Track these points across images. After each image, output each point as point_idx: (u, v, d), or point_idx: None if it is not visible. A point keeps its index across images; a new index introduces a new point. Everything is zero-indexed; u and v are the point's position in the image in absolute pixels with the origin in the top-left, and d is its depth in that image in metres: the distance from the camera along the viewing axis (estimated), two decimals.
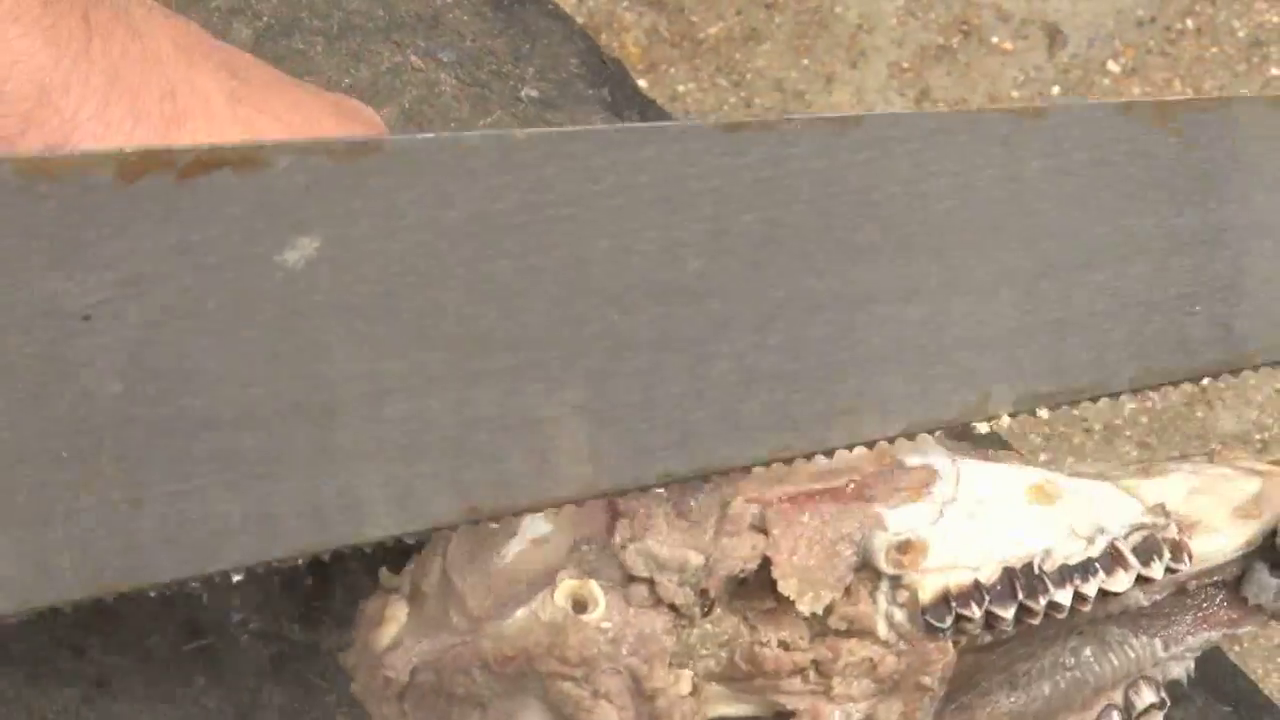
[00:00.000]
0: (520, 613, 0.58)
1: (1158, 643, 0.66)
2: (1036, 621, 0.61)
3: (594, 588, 0.58)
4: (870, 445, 0.57)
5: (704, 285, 0.54)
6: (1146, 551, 0.62)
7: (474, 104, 0.90)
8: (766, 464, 0.57)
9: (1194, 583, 0.65)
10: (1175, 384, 0.61)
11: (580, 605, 0.58)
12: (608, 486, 0.55)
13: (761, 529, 0.59)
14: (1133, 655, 0.66)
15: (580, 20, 1.09)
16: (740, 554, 0.59)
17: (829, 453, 0.57)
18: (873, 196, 0.54)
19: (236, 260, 0.50)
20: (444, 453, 0.53)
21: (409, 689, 0.60)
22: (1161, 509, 0.64)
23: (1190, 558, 0.63)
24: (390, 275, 0.51)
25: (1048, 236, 0.57)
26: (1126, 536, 0.62)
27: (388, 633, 0.61)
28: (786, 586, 0.58)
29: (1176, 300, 0.59)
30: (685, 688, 0.59)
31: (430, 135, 0.52)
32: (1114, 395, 0.60)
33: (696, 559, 0.58)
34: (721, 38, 1.37)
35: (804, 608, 0.59)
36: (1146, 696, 0.66)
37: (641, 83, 1.27)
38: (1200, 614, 0.67)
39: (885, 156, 0.54)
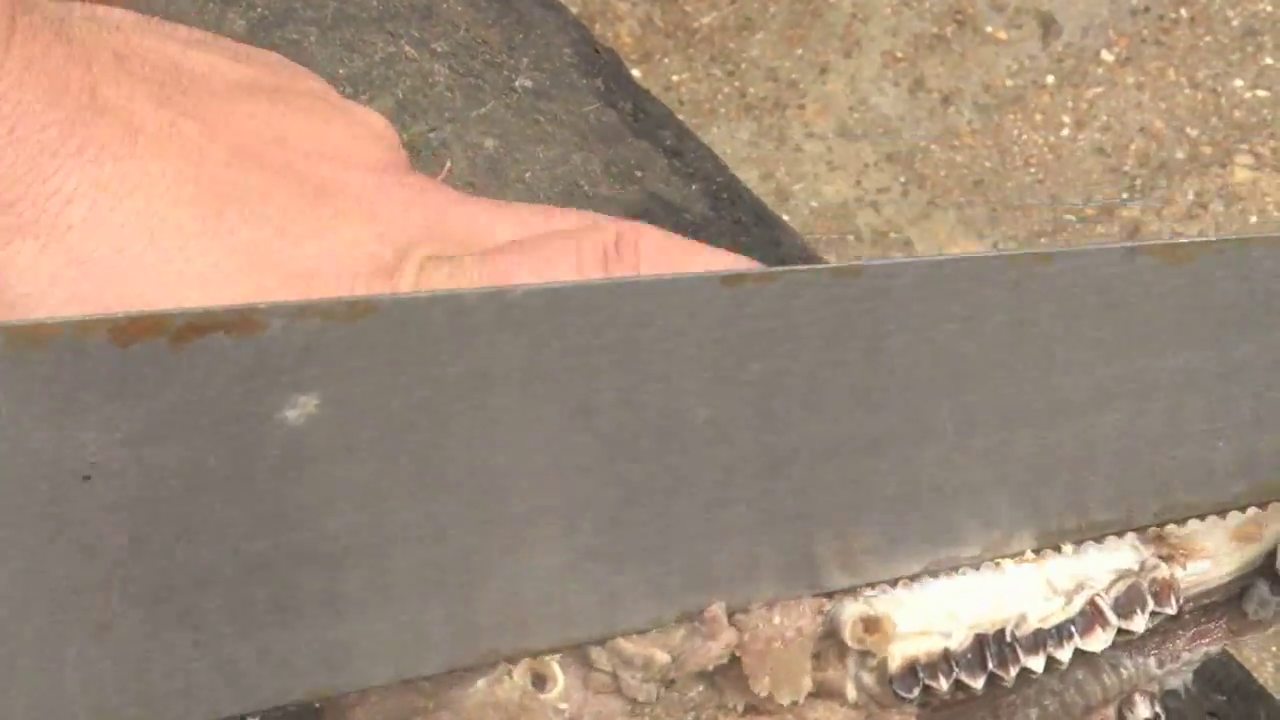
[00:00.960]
0: (480, 683, 0.57)
1: (1152, 661, 0.66)
2: (1008, 685, 0.60)
3: (554, 665, 0.58)
4: (893, 584, 0.58)
5: (713, 433, 0.54)
6: (1129, 603, 0.62)
7: (468, 94, 0.90)
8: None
9: (1190, 605, 0.65)
10: (1201, 517, 0.61)
11: (540, 681, 0.58)
12: (623, 628, 0.55)
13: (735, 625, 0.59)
14: (1126, 674, 0.65)
15: (574, 10, 1.09)
16: (711, 655, 0.58)
17: (850, 592, 0.57)
18: (880, 344, 0.54)
19: (235, 419, 0.50)
20: (455, 599, 0.53)
21: None
22: (1155, 537, 0.63)
23: (1178, 600, 0.63)
24: (392, 429, 0.51)
25: (1061, 378, 0.56)
26: (1109, 589, 0.62)
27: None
28: (759, 686, 0.58)
29: (1200, 435, 0.58)
30: None
31: (426, 294, 0.52)
32: (1140, 529, 0.60)
33: (663, 658, 0.58)
34: (716, 27, 1.36)
35: (784, 699, 0.58)
36: (1141, 711, 0.65)
37: (635, 72, 1.27)
38: (1198, 630, 0.67)
39: (890, 304, 0.54)
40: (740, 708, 0.60)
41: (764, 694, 0.58)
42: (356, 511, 0.51)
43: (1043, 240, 1.49)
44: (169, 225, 0.53)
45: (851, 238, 1.51)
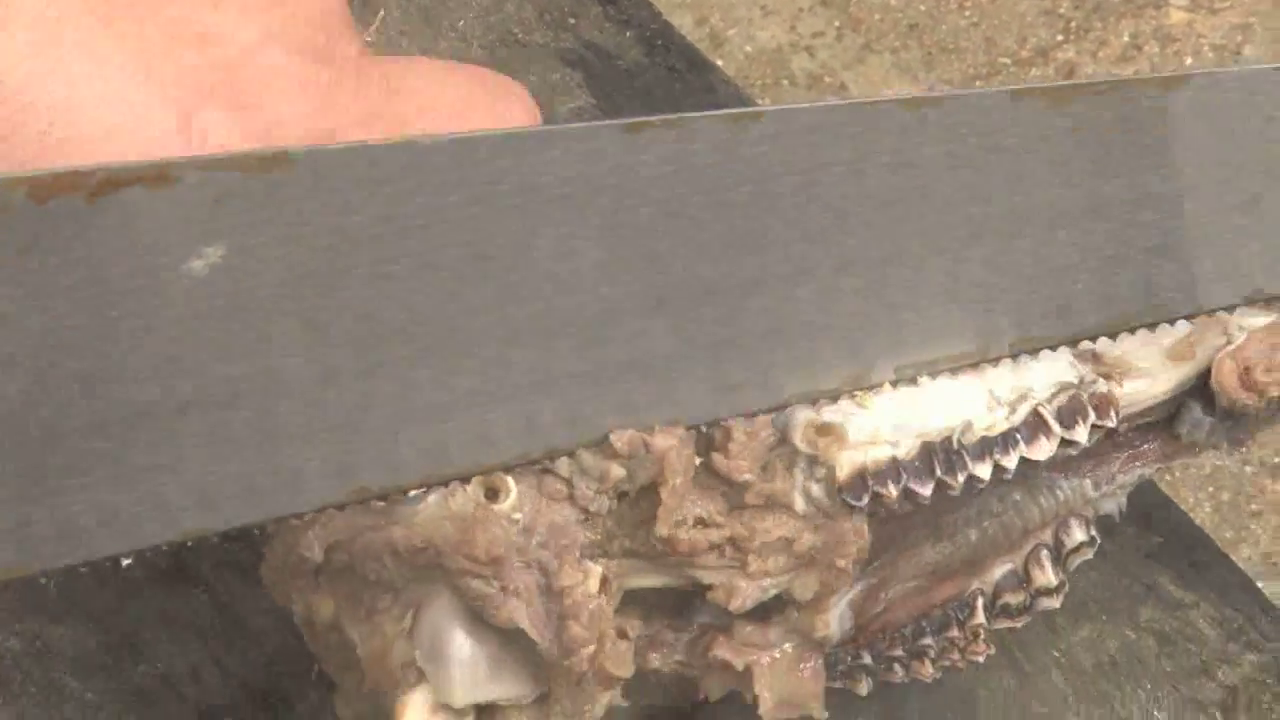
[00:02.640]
0: (432, 499, 0.58)
1: (1088, 483, 0.67)
2: (956, 494, 0.61)
3: (507, 478, 0.58)
4: (752, 416, 0.59)
5: (599, 275, 0.55)
6: (1071, 414, 0.62)
7: None
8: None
9: (1125, 425, 0.66)
10: (1054, 348, 0.62)
11: (492, 493, 0.58)
12: (496, 462, 0.57)
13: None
14: (1062, 497, 0.66)
15: None
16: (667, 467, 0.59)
17: (713, 423, 0.59)
18: (768, 187, 0.56)
19: (143, 271, 0.51)
20: (334, 441, 0.54)
21: (323, 567, 0.60)
22: (1090, 356, 0.64)
23: (1117, 414, 0.63)
24: (292, 278, 0.52)
25: (938, 218, 0.58)
26: (1051, 399, 0.62)
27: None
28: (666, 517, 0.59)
29: (1058, 271, 0.60)
30: (594, 586, 0.59)
31: (339, 146, 0.53)
32: (993, 362, 0.61)
33: (619, 472, 0.58)
34: None
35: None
36: (1077, 535, 0.66)
37: None
38: (1132, 452, 0.68)
39: (781, 150, 0.56)
40: (690, 520, 0.60)
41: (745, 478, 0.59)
42: (249, 358, 0.53)
43: (978, 83, 1.49)
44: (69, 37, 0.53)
45: (786, 83, 1.51)
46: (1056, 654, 0.72)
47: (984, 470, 0.61)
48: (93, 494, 0.52)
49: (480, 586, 0.59)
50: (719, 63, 1.38)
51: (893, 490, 0.60)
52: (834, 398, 0.59)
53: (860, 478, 0.60)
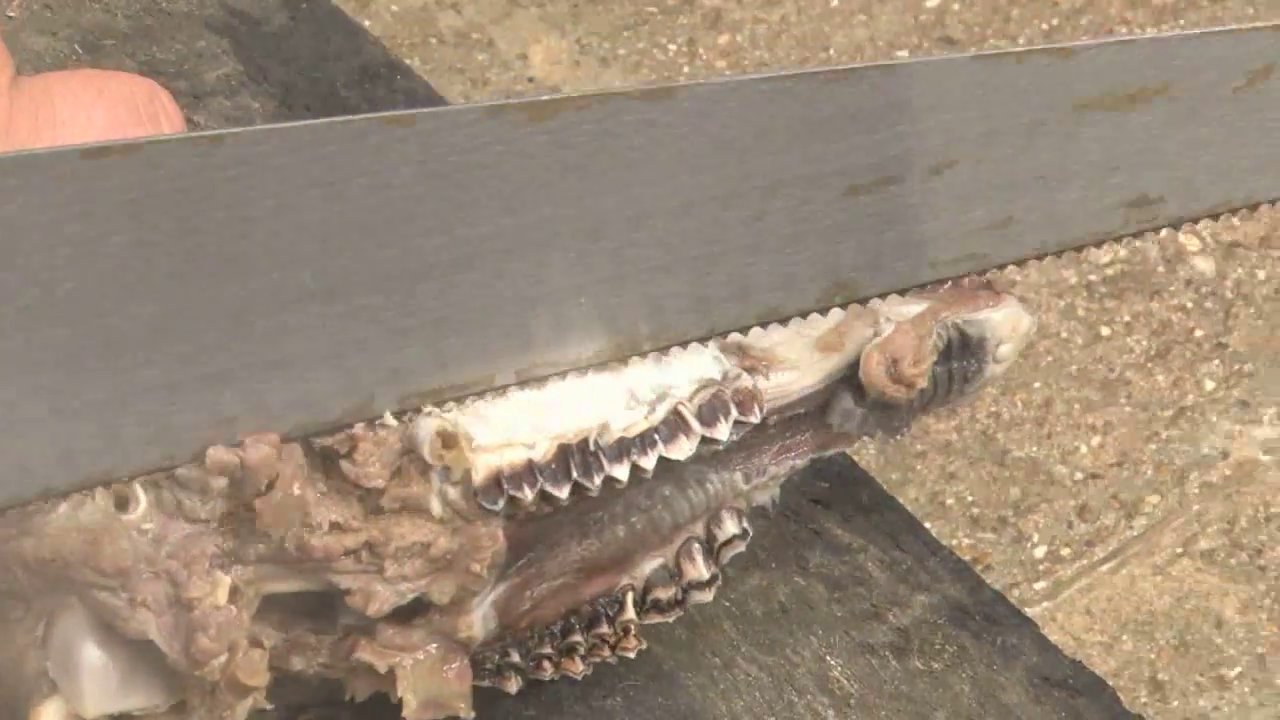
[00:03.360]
0: (62, 508, 0.57)
1: (738, 475, 0.66)
2: (594, 495, 0.60)
3: (136, 488, 0.57)
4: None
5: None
6: (713, 411, 0.62)
7: None
8: None
9: (775, 417, 0.66)
10: (561, 375, 0.61)
11: (122, 502, 0.57)
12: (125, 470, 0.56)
13: None
14: (713, 490, 0.66)
15: None
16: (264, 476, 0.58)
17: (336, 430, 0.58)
18: (243, 212, 0.55)
19: None
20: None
21: None
22: (736, 348, 0.64)
23: (762, 409, 0.63)
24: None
25: (424, 238, 0.57)
26: (692, 397, 0.62)
27: None
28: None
29: (558, 294, 0.59)
30: (223, 596, 0.58)
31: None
32: (498, 390, 0.60)
33: (219, 483, 0.57)
34: None
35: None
36: (729, 527, 0.66)
37: None
38: (784, 444, 0.68)
39: (253, 173, 0.54)
40: (325, 525, 0.59)
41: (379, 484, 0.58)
42: None
43: (625, 34, 1.49)
44: None
45: (434, 40, 1.49)
46: (727, 604, 0.72)
47: (621, 471, 0.60)
48: None
49: (108, 598, 0.58)
50: (366, 24, 1.36)
51: (528, 493, 0.59)
52: (460, 399, 0.59)
53: (495, 482, 0.59)
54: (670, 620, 0.66)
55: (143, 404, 0.55)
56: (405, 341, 0.58)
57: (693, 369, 0.62)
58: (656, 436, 0.61)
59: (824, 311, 0.62)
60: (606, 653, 0.65)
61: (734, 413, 0.63)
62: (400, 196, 0.56)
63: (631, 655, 0.65)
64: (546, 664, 0.65)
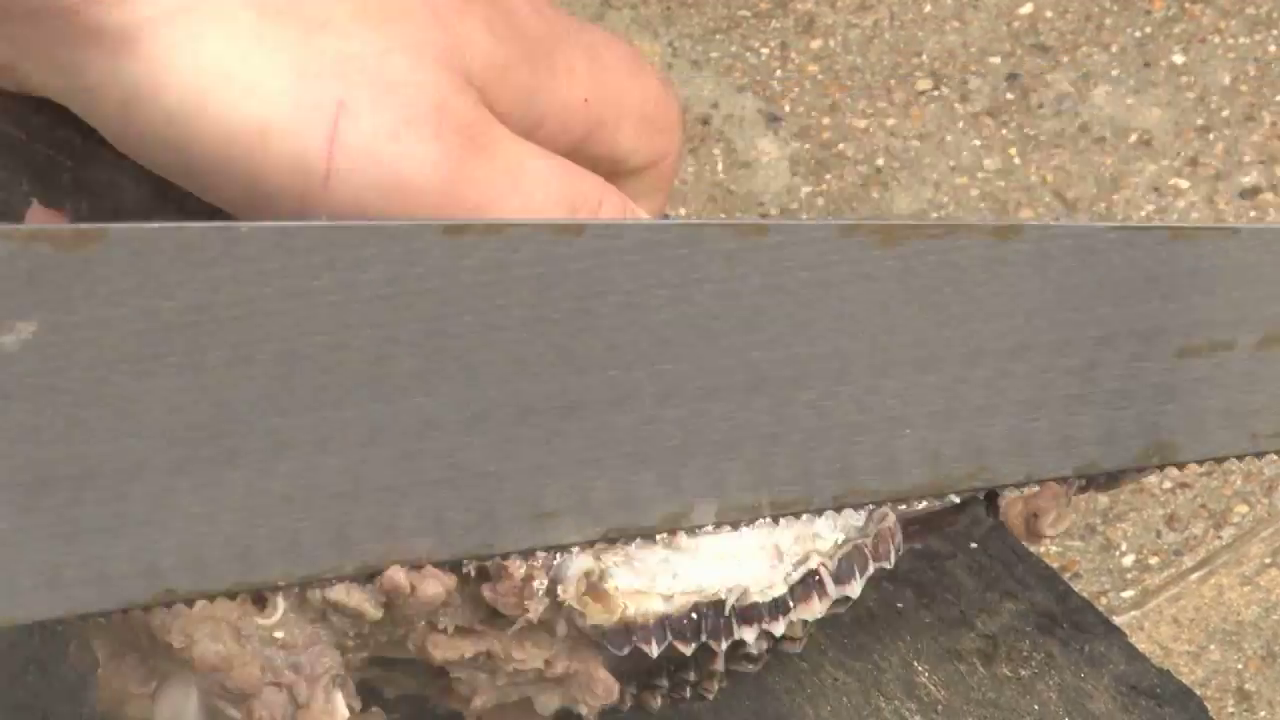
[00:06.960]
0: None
1: None
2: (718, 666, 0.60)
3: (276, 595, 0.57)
4: (566, 549, 0.57)
5: (416, 385, 0.54)
6: (849, 567, 0.60)
7: None
8: (462, 560, 0.57)
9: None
10: (878, 504, 0.60)
11: (260, 601, 0.57)
12: (299, 578, 0.55)
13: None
14: None
15: None
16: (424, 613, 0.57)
17: (527, 554, 0.57)
18: (590, 305, 0.54)
19: None
20: (138, 538, 0.53)
21: None
22: None
23: (898, 550, 0.62)
24: (103, 362, 0.51)
25: (762, 352, 0.56)
26: (833, 554, 0.60)
27: None
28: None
29: (885, 423, 0.59)
30: (342, 714, 0.57)
31: (154, 226, 0.51)
32: (816, 511, 0.59)
33: (374, 614, 0.57)
34: None
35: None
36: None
37: None
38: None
39: (605, 266, 0.54)
40: (450, 629, 0.58)
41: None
42: (56, 444, 0.51)
43: (718, 37, 1.49)
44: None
45: None
46: None
47: (750, 635, 0.59)
48: None
49: (226, 708, 0.57)
50: None
51: (655, 648, 0.58)
52: (777, 518, 0.58)
53: (625, 629, 0.58)
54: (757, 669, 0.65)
55: (469, 489, 0.55)
56: (731, 454, 0.57)
57: (840, 515, 0.61)
58: (790, 601, 0.60)
59: (1141, 471, 0.61)
60: (687, 692, 0.64)
61: (870, 567, 0.61)
62: (744, 307, 0.55)
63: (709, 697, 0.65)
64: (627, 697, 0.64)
